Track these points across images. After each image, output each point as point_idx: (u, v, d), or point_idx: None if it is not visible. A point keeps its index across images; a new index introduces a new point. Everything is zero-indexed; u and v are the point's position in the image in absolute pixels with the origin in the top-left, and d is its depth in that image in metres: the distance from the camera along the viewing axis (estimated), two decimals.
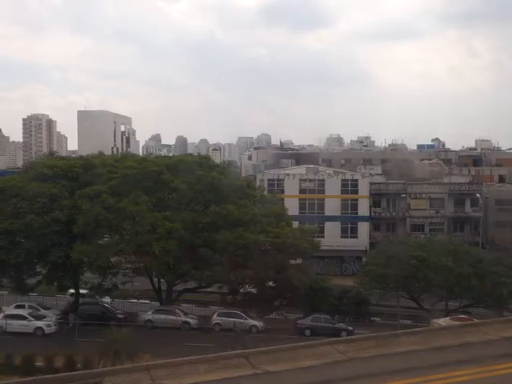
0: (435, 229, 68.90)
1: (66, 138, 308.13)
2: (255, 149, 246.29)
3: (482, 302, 46.16)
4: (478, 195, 69.56)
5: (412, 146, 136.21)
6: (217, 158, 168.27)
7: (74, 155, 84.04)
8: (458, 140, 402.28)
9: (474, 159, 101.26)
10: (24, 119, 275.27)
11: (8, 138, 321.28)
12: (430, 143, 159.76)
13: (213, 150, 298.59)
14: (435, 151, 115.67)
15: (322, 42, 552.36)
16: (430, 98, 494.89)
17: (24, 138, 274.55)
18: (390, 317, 47.10)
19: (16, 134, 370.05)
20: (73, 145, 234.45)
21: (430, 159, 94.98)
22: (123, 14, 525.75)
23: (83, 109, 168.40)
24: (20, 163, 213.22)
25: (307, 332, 42.73)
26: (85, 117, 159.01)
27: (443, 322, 32.73)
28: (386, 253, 48.06)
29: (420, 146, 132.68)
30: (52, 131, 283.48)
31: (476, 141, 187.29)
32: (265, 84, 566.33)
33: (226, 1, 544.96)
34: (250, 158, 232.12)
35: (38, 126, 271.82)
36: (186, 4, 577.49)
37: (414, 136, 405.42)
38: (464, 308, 45.83)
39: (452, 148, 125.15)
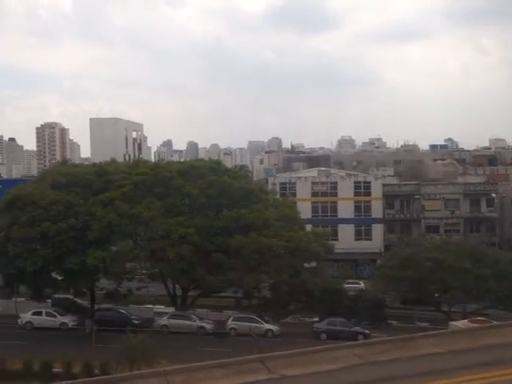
0: (450, 230, 68.44)
1: (79, 146, 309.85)
2: (266, 153, 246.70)
3: (500, 303, 45.63)
4: (493, 195, 69.00)
5: (425, 146, 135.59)
6: (228, 163, 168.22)
7: (86, 163, 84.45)
8: (471, 139, 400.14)
9: (489, 158, 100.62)
10: (37, 128, 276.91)
11: (22, 146, 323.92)
12: (442, 143, 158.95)
13: (224, 154, 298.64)
14: (448, 151, 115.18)
15: (330, 44, 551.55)
16: (441, 98, 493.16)
17: (38, 146, 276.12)
18: (406, 320, 46.83)
19: (30, 143, 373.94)
20: (85, 152, 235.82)
21: (443, 159, 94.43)
22: (133, 21, 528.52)
23: (95, 116, 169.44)
24: (34, 171, 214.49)
25: (323, 336, 42.51)
26: (97, 124, 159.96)
27: (461, 324, 32.54)
28: (401, 255, 47.80)
29: (433, 147, 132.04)
30: (65, 139, 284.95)
31: (490, 140, 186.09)
32: (275, 87, 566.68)
33: (232, 5, 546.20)
34: (261, 161, 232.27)
35: (51, 134, 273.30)
36: (194, 10, 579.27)
37: (426, 136, 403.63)
38: (482, 310, 45.34)
39: (466, 148, 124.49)
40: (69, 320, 45.53)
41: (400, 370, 10.92)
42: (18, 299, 49.53)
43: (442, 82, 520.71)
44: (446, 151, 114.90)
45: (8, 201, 45.08)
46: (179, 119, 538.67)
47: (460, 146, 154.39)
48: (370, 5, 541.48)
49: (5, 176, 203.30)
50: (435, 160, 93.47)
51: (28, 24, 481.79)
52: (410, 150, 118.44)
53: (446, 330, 14.62)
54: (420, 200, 69.81)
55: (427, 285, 44.80)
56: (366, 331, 42.90)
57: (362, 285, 55.00)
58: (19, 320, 45.57)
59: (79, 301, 49.18)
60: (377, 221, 69.31)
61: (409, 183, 73.17)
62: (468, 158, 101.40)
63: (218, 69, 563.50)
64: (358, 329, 43.59)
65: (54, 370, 33.18)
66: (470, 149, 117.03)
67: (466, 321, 35.81)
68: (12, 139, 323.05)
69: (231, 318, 45.35)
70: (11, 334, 42.76)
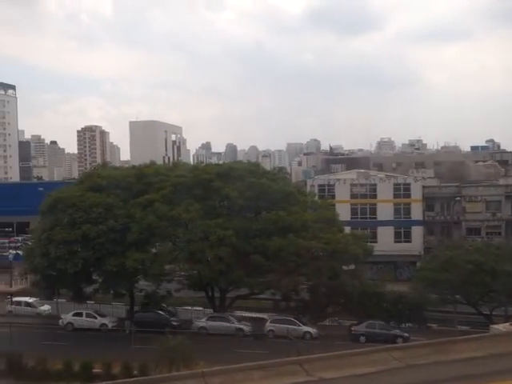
0: (492, 232, 67.18)
1: (119, 149, 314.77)
2: (305, 154, 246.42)
3: None
4: None
5: (466, 147, 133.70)
6: (267, 165, 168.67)
7: (126, 165, 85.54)
8: None
9: None
10: (78, 131, 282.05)
11: (63, 149, 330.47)
12: (484, 144, 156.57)
13: (262, 156, 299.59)
14: (490, 152, 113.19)
15: (371, 45, 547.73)
16: (482, 99, 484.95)
17: (79, 149, 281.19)
18: (446, 323, 46.19)
19: (71, 146, 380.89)
20: (125, 155, 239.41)
21: (484, 161, 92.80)
22: (173, 26, 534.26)
23: (135, 119, 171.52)
24: (75, 174, 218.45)
25: (362, 338, 42.25)
26: (137, 127, 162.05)
27: (503, 327, 31.74)
28: (441, 257, 47.16)
29: (474, 148, 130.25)
30: (105, 142, 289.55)
31: None
32: (314, 89, 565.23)
33: (272, 8, 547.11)
34: (299, 163, 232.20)
35: (91, 137, 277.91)
36: (233, 13, 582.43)
37: (467, 138, 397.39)
38: None
39: (507, 149, 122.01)
40: (108, 321, 46.14)
41: (440, 373, 10.77)
42: (59, 300, 50.38)
43: (483, 82, 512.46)
44: (488, 152, 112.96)
45: (50, 203, 45.90)
46: (218, 122, 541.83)
47: (502, 148, 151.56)
48: (411, 5, 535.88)
49: (46, 179, 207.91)
50: (476, 161, 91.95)
51: (69, 28, 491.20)
52: (450, 151, 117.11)
53: (488, 334, 14.31)
54: (461, 202, 68.70)
55: (468, 288, 44.12)
56: (405, 334, 42.47)
57: None
58: (60, 321, 46.40)
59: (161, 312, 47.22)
60: (416, 223, 68.51)
61: (449, 185, 72.15)
62: (510, 159, 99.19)
63: (256, 71, 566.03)
64: (397, 332, 43.17)
65: (94, 370, 33.68)
66: None
67: (507, 324, 35.00)
68: (54, 142, 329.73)
69: (269, 320, 45.32)
70: (53, 334, 43.64)
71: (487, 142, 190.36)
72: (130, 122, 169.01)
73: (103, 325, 45.60)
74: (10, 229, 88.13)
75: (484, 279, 43.39)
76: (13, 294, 53.51)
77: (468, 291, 44.98)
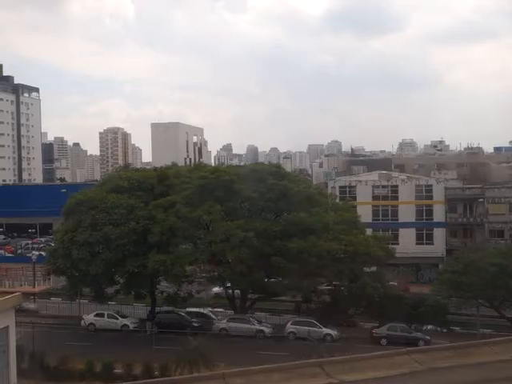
0: None
1: (141, 150, 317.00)
2: (326, 156, 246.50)
3: None
4: None
5: (489, 149, 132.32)
6: (288, 167, 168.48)
7: (148, 167, 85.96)
8: None
9: None
10: (100, 133, 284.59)
11: (86, 151, 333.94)
12: (508, 145, 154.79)
13: (284, 158, 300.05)
14: None
15: (392, 46, 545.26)
16: (506, 99, 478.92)
17: (101, 151, 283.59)
18: (469, 326, 45.77)
19: (93, 148, 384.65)
20: (147, 156, 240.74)
21: (508, 162, 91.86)
22: (194, 28, 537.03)
23: (156, 121, 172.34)
24: (97, 176, 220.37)
25: (383, 341, 42.00)
26: (158, 129, 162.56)
27: None
28: (464, 260, 46.73)
29: (497, 149, 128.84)
30: (127, 144, 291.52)
31: None
32: (334, 90, 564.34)
33: (292, 9, 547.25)
34: (320, 165, 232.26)
35: (113, 139, 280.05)
36: (254, 15, 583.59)
37: (491, 139, 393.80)
38: None
39: None
40: (130, 322, 46.37)
41: (462, 377, 10.67)
42: (82, 301, 50.76)
43: (507, 82, 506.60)
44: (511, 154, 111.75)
45: (72, 205, 46.30)
46: (239, 123, 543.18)
47: None
48: (432, 5, 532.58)
49: (69, 180, 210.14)
50: (500, 163, 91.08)
51: (92, 31, 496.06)
52: (473, 152, 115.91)
53: (511, 337, 14.12)
54: (484, 204, 68.05)
55: (491, 291, 43.68)
56: (427, 337, 42.14)
57: None
58: (82, 321, 46.75)
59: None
60: (439, 225, 67.99)
61: (472, 186, 71.50)
62: None
63: (277, 72, 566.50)
64: (418, 334, 42.86)
65: (116, 371, 33.84)
66: None
67: None
68: (76, 144, 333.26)
69: (290, 322, 45.23)
70: (74, 335, 43.99)
71: (511, 142, 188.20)
72: (152, 124, 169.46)
73: (124, 325, 45.86)
74: (34, 230, 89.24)
75: (508, 282, 42.93)
76: (36, 295, 54.00)
77: (491, 294, 44.51)
